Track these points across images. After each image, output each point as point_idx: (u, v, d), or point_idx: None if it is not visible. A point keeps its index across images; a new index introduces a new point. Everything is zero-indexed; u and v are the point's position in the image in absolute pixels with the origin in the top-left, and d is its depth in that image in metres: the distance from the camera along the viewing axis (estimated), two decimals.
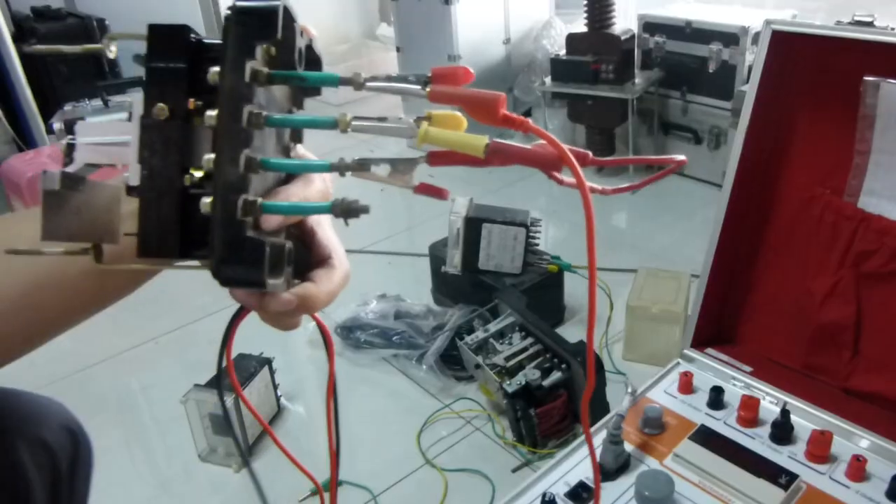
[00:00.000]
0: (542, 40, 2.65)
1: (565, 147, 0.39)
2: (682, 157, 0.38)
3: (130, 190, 0.38)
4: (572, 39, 2.33)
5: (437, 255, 1.69)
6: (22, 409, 0.61)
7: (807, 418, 0.90)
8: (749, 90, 0.93)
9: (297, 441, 1.42)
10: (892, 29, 0.86)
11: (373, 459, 1.35)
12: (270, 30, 0.35)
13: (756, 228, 1.00)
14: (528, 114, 2.81)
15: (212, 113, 0.35)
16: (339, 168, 0.38)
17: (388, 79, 0.38)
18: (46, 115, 2.37)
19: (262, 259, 0.35)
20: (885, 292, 0.89)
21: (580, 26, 2.34)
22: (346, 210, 0.38)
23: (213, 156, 0.35)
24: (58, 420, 0.67)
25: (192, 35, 0.37)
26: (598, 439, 0.88)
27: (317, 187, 0.44)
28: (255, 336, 1.72)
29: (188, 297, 1.90)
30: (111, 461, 1.39)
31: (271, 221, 0.37)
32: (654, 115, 2.37)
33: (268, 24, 0.35)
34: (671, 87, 2.33)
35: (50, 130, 2.28)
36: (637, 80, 2.26)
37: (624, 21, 2.45)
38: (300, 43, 0.39)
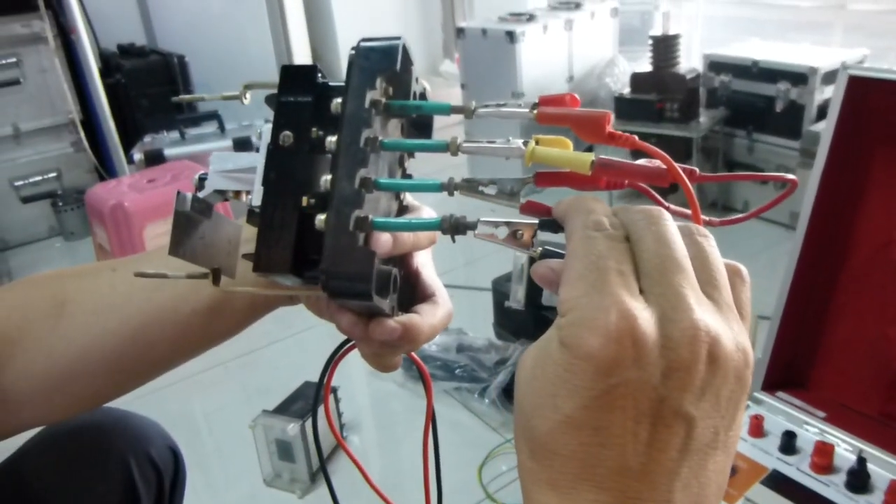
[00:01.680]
0: (605, 78, 2.67)
1: (674, 163, 0.37)
2: (793, 177, 0.37)
3: (251, 215, 0.40)
4: (637, 78, 2.34)
5: (500, 289, 1.71)
6: (133, 429, 0.65)
7: (884, 467, 0.87)
8: (825, 133, 0.93)
9: (356, 471, 1.44)
10: None
11: (432, 492, 1.36)
12: (391, 62, 0.38)
13: (830, 271, 0.98)
14: (589, 150, 2.82)
15: (333, 138, 0.37)
16: (449, 188, 0.38)
17: (498, 105, 0.40)
18: (127, 146, 2.49)
19: (371, 269, 0.36)
20: None
21: (644, 65, 2.35)
22: (454, 226, 0.38)
23: (328, 177, 0.37)
24: (162, 440, 0.70)
25: (320, 74, 0.40)
26: None
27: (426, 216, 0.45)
28: (321, 365, 1.75)
29: (255, 324, 1.96)
30: None
31: (381, 243, 0.38)
32: (719, 153, 2.35)
33: (389, 58, 0.38)
34: (736, 125, 2.32)
35: (130, 160, 2.39)
36: (702, 119, 2.26)
37: (689, 60, 2.46)
38: (416, 88, 0.42)
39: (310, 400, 1.41)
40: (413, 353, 0.48)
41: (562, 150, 0.39)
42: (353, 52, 0.38)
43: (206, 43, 3.01)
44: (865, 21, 2.48)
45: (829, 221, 0.96)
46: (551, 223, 0.37)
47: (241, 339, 1.91)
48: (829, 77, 2.08)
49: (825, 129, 0.94)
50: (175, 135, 2.42)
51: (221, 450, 1.54)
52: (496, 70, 2.61)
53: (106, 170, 2.63)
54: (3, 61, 2.45)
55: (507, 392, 1.50)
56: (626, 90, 2.35)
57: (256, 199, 0.39)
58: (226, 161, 0.43)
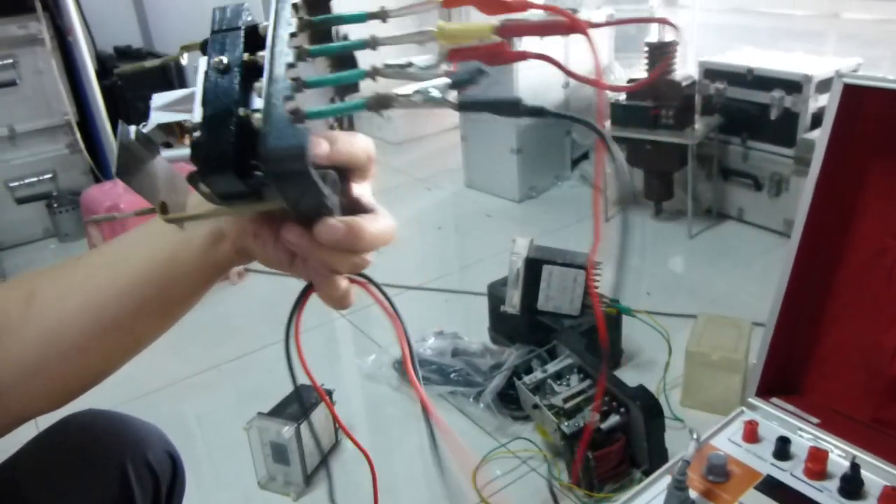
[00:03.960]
0: None
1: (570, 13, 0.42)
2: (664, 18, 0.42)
3: (194, 148, 0.40)
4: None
5: (495, 294, 1.71)
6: (131, 433, 0.65)
7: (877, 473, 0.88)
8: (819, 141, 0.94)
9: (353, 472, 1.44)
10: None
11: (427, 496, 1.36)
12: None
13: (824, 278, 0.99)
14: (585, 157, 2.84)
15: (262, 52, 0.39)
16: (372, 74, 0.42)
17: (409, 6, 0.43)
18: None
19: (306, 141, 0.37)
20: None
21: (639, 71, 2.36)
22: (379, 102, 0.40)
23: (265, 78, 0.38)
24: (161, 444, 0.70)
25: (247, 13, 0.42)
26: (663, 484, 0.88)
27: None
28: (316, 368, 1.75)
29: (248, 326, 1.96)
30: None
31: (319, 145, 0.41)
32: (714, 160, 2.36)
33: None
34: (731, 133, 2.33)
35: None
36: (697, 126, 2.27)
37: (684, 67, 2.47)
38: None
39: (305, 403, 1.41)
40: (411, 373, 0.48)
41: (466, 24, 0.42)
42: None
43: None
44: (859, 30, 2.50)
45: (823, 229, 0.97)
46: (463, 80, 0.41)
47: (234, 343, 1.91)
48: (824, 85, 2.09)
49: (820, 136, 0.94)
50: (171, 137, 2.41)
51: (215, 452, 1.54)
52: (491, 76, 2.61)
53: (101, 171, 2.62)
54: (0, 62, 2.45)
55: (502, 397, 1.50)
56: (622, 97, 2.36)
57: (197, 116, 0.40)
58: (165, 98, 0.44)
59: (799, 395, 1.02)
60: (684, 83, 2.27)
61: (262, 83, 0.38)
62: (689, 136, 2.23)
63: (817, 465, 0.88)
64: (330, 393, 1.46)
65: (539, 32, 0.43)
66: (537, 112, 0.45)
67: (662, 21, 0.45)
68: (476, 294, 1.95)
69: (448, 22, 0.42)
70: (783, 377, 1.03)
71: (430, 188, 2.93)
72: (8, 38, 2.43)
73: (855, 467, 0.86)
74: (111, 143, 2.47)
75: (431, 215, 2.70)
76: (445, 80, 0.41)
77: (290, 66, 0.40)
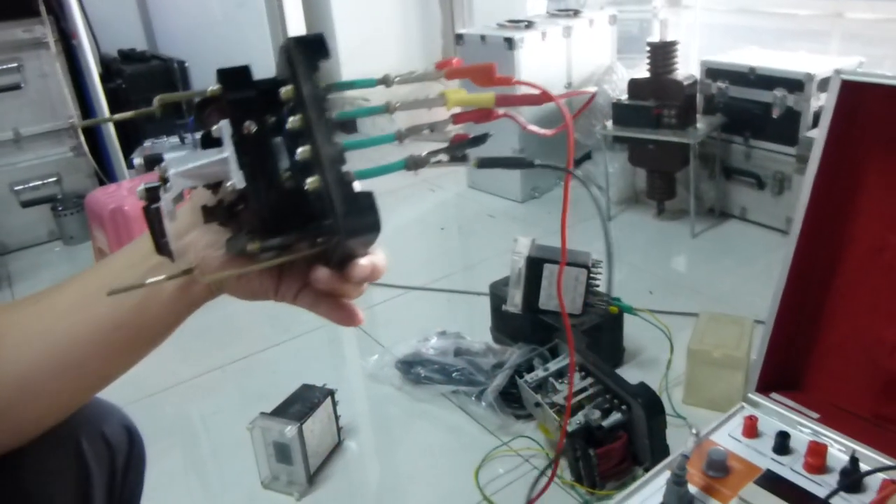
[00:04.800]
0: (603, 84, 2.68)
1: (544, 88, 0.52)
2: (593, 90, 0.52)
3: (212, 211, 0.50)
4: (634, 84, 2.35)
5: (497, 293, 1.72)
6: (86, 409, 0.65)
7: (876, 467, 0.88)
8: (818, 138, 0.94)
9: (356, 471, 1.45)
10: None
11: (430, 494, 1.36)
12: (325, 49, 0.45)
13: (824, 274, 0.99)
14: (587, 157, 2.84)
15: (295, 117, 0.44)
16: (400, 137, 0.50)
17: (412, 75, 0.52)
18: (127, 151, 2.50)
19: (375, 203, 0.44)
20: None
21: (642, 71, 2.36)
22: (416, 162, 0.49)
23: (307, 147, 0.43)
24: (117, 419, 0.71)
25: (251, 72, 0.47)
26: (662, 479, 0.88)
27: None
28: (319, 369, 1.76)
29: (252, 328, 1.97)
30: (176, 486, 1.43)
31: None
32: (716, 159, 2.36)
33: (321, 46, 0.45)
34: (734, 132, 2.33)
35: (130, 165, 2.40)
36: (699, 125, 2.27)
37: (686, 67, 2.47)
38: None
39: (307, 402, 1.42)
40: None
41: (473, 95, 0.51)
42: (289, 43, 0.45)
43: (207, 48, 3.02)
44: (862, 30, 2.50)
45: (822, 225, 0.97)
46: (469, 143, 0.51)
47: (238, 344, 1.92)
48: (825, 84, 2.08)
49: (818, 133, 0.94)
50: (175, 140, 2.43)
51: (218, 452, 1.55)
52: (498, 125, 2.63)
53: (106, 174, 2.64)
54: (5, 66, 2.46)
55: (504, 395, 1.50)
56: (624, 96, 2.37)
57: (239, 181, 0.45)
58: (184, 162, 0.47)
59: (799, 391, 1.02)
60: (686, 83, 2.28)
61: (316, 151, 0.43)
62: (691, 136, 2.23)
63: (817, 459, 0.88)
64: (332, 393, 1.46)
65: (524, 103, 0.53)
66: (529, 164, 0.63)
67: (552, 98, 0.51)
68: (479, 294, 1.95)
69: (454, 90, 0.51)
70: (783, 373, 1.03)
71: (433, 189, 2.94)
72: (13, 41, 2.45)
73: (854, 461, 0.86)
74: (115, 146, 2.48)
75: (435, 216, 2.71)
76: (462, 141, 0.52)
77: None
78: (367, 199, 0.44)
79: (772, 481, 0.87)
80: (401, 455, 1.50)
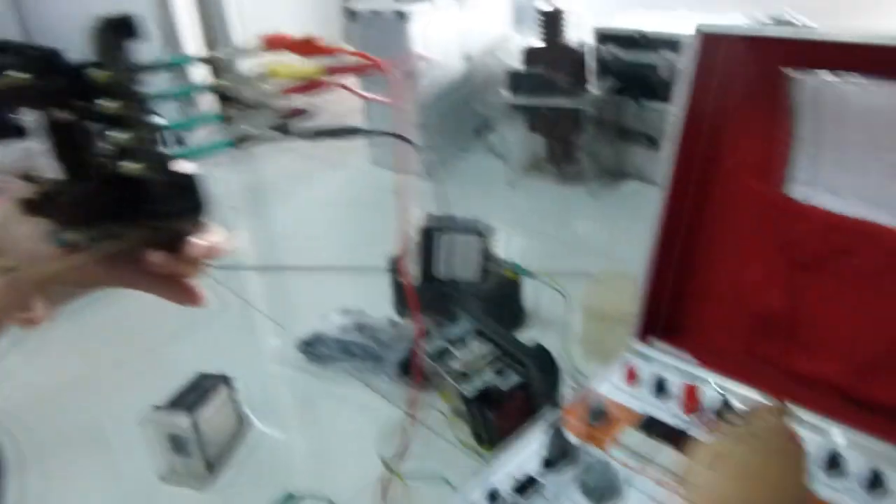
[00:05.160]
0: (499, 54, 2.69)
1: (372, 57, 0.52)
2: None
3: (30, 204, 0.45)
4: (529, 53, 2.37)
5: (396, 268, 1.70)
6: None
7: (749, 403, 0.91)
8: (680, 89, 0.96)
9: (261, 456, 1.42)
10: (809, 26, 0.89)
11: (336, 472, 1.35)
12: (134, 30, 0.43)
13: (694, 222, 1.02)
14: (488, 126, 2.85)
15: (108, 101, 0.42)
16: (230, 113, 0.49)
17: (234, 48, 0.51)
18: None
19: (196, 184, 0.44)
20: (818, 278, 0.91)
21: (536, 40, 2.38)
22: (245, 139, 0.49)
23: (121, 131, 0.42)
24: None
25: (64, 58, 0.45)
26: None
27: None
28: (222, 357, 1.71)
29: (148, 321, 1.89)
30: (71, 488, 1.37)
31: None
32: (611, 122, 2.40)
33: (131, 27, 0.43)
34: (626, 94, 2.37)
35: None
36: (592, 90, 2.30)
37: (578, 33, 2.50)
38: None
39: (202, 391, 1.38)
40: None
41: (300, 67, 0.50)
42: (97, 24, 0.43)
43: (85, 36, 2.87)
44: None
45: (690, 175, 0.99)
46: (296, 117, 0.50)
47: (135, 339, 1.85)
48: None
49: (681, 87, 0.96)
50: None
51: (115, 451, 1.49)
52: (390, 49, 2.59)
53: None
54: None
55: (407, 368, 1.50)
56: (518, 64, 2.38)
57: (56, 172, 0.44)
58: None
59: (678, 336, 1.04)
60: (578, 48, 2.30)
61: (132, 135, 0.42)
62: (585, 100, 2.26)
63: (692, 400, 0.91)
64: (228, 379, 1.43)
65: (355, 72, 0.53)
66: (365, 132, 0.61)
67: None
68: (381, 270, 1.93)
69: (281, 63, 0.51)
70: (662, 320, 1.05)
71: (336, 168, 2.89)
72: None
73: (725, 400, 0.89)
74: None
75: (338, 195, 2.67)
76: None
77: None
78: (188, 179, 0.44)
79: (649, 424, 0.89)
80: (307, 436, 1.48)
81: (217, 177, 2.99)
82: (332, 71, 0.51)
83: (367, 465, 1.33)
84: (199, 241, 0.48)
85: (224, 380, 1.42)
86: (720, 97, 0.98)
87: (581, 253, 2.03)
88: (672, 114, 0.97)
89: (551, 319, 1.69)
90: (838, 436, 0.83)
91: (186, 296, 0.53)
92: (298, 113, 0.52)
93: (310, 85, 0.51)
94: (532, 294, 1.74)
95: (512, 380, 1.28)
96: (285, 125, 0.52)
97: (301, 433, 1.49)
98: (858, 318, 0.88)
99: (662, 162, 0.99)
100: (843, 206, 0.89)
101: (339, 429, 1.48)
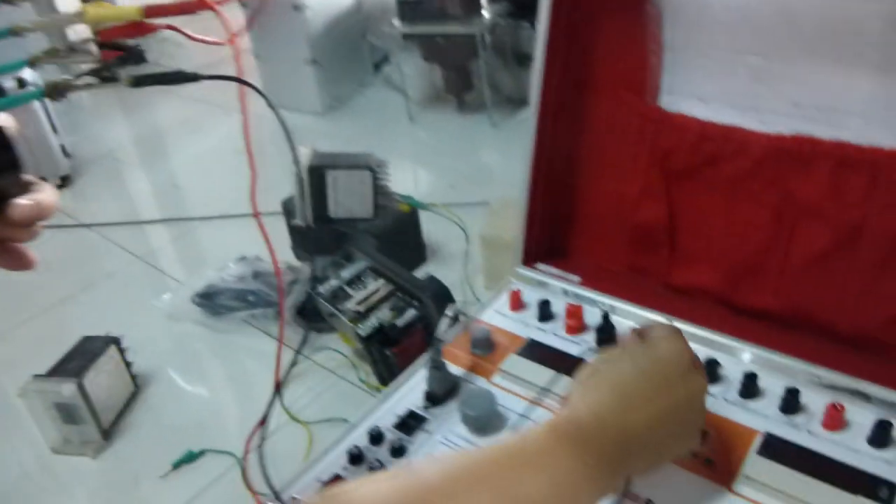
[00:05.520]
0: None
1: None
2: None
3: None
4: None
5: (289, 210, 1.65)
6: None
7: (632, 318, 0.91)
8: (543, 3, 0.92)
9: (160, 416, 1.37)
10: None
11: (237, 423, 1.32)
12: None
13: (571, 141, 0.99)
14: (386, 60, 2.76)
15: None
16: (32, 62, 0.48)
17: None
18: None
19: (8, 140, 0.41)
20: (692, 188, 0.91)
21: None
22: (57, 89, 0.47)
23: None
24: None
25: None
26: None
27: None
28: (114, 318, 1.64)
29: (32, 287, 1.79)
30: None
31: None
32: (507, 46, 2.36)
33: None
34: (520, 17, 2.32)
35: None
36: (485, 14, 2.24)
37: None
38: None
39: (87, 355, 1.31)
40: None
41: (114, 8, 0.45)
42: None
43: None
44: None
45: (560, 92, 0.96)
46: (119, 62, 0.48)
47: (19, 307, 1.73)
48: None
49: (543, 2, 0.93)
50: None
51: (2, 426, 1.41)
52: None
53: None
54: None
55: (305, 311, 1.46)
56: None
57: None
58: None
59: (563, 258, 1.03)
60: None
61: None
62: (477, 25, 2.20)
63: (575, 320, 0.90)
64: (116, 340, 1.36)
65: (177, 12, 0.50)
66: (194, 77, 0.58)
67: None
68: (272, 214, 1.87)
69: (95, 4, 0.49)
70: (548, 243, 1.04)
71: (229, 113, 2.77)
72: None
73: (606, 317, 0.88)
74: None
75: (232, 141, 2.55)
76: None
77: None
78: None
79: (532, 348, 0.88)
80: (206, 390, 1.44)
81: (101, 127, 2.83)
82: (152, 12, 0.49)
83: (271, 414, 1.30)
84: (23, 202, 0.45)
85: (113, 341, 1.35)
86: (586, 10, 0.94)
87: (483, 183, 2.01)
88: (537, 30, 0.94)
89: (452, 252, 1.68)
90: (745, 354, 0.83)
91: (15, 261, 0.50)
92: (115, 56, 0.49)
93: (131, 28, 0.48)
94: (433, 228, 1.71)
95: (408, 316, 1.26)
96: (103, 71, 0.49)
97: (199, 388, 1.44)
98: (730, 226, 0.89)
99: (532, 82, 0.95)
100: (712, 114, 0.88)
101: (238, 379, 1.45)
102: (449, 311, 0.88)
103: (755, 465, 0.68)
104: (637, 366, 0.61)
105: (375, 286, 1.33)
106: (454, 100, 2.46)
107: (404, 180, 2.11)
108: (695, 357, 0.64)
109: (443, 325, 0.85)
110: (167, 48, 2.86)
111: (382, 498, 0.45)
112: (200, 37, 0.53)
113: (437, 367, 0.81)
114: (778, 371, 0.80)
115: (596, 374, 0.63)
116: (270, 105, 0.63)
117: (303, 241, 1.66)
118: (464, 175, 2.06)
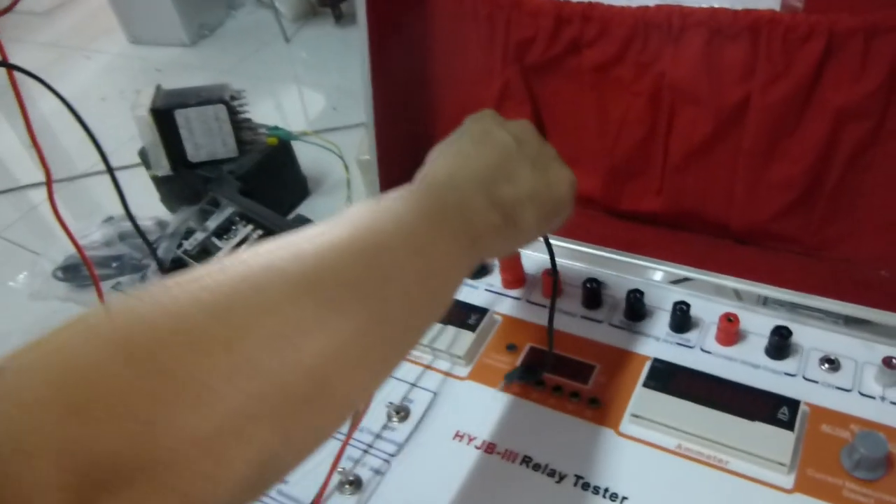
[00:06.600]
0: None
1: None
2: None
3: None
4: None
5: (147, 159, 1.47)
6: None
7: None
8: None
9: None
10: None
11: None
12: None
13: (410, 47, 0.86)
14: None
15: None
16: None
17: None
18: None
19: None
20: (557, 84, 0.79)
21: None
22: None
23: None
24: None
25: None
26: None
27: None
28: None
29: None
30: None
31: None
32: None
33: None
34: None
35: None
36: None
37: None
38: None
39: None
40: None
41: None
42: None
43: None
44: None
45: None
46: None
47: None
48: None
49: None
50: None
51: None
52: None
53: None
54: None
55: (169, 272, 1.32)
56: None
57: None
58: None
59: None
60: None
61: None
62: None
63: None
64: None
65: None
66: None
67: None
68: (133, 167, 1.69)
69: None
70: (406, 165, 0.91)
71: (88, 56, 2.50)
72: None
73: None
74: None
75: (94, 87, 2.32)
76: None
77: None
78: None
79: None
80: None
81: None
82: None
83: None
84: None
85: None
86: None
87: (349, 104, 1.84)
88: None
89: (337, 181, 1.54)
90: (631, 268, 0.74)
91: None
92: None
93: None
94: (314, 157, 1.56)
95: None
96: None
97: None
98: (604, 124, 0.78)
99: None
100: None
101: None
102: None
103: (642, 399, 0.59)
104: (477, 130, 0.54)
105: (245, 233, 1.20)
106: (330, 12, 2.26)
107: (286, 107, 1.93)
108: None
109: None
110: None
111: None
112: None
113: None
114: (667, 285, 0.71)
115: (441, 145, 0.55)
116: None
117: (169, 192, 1.50)
118: (347, 93, 1.90)
